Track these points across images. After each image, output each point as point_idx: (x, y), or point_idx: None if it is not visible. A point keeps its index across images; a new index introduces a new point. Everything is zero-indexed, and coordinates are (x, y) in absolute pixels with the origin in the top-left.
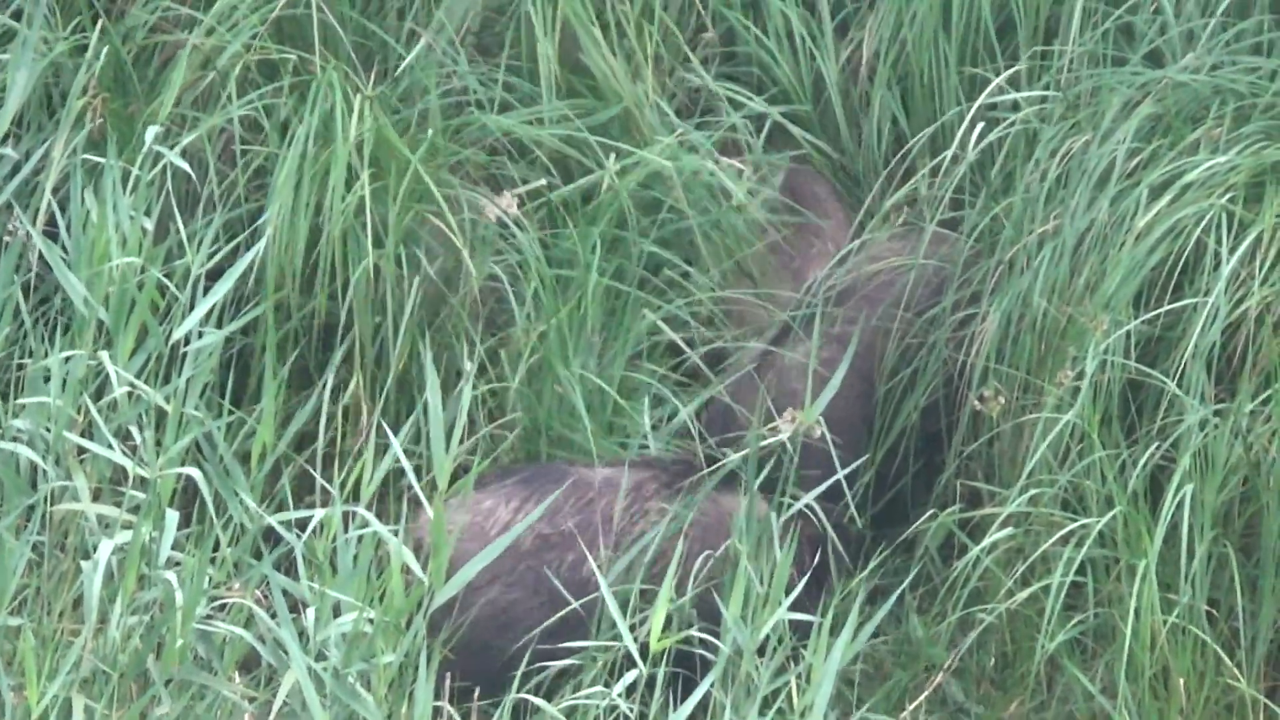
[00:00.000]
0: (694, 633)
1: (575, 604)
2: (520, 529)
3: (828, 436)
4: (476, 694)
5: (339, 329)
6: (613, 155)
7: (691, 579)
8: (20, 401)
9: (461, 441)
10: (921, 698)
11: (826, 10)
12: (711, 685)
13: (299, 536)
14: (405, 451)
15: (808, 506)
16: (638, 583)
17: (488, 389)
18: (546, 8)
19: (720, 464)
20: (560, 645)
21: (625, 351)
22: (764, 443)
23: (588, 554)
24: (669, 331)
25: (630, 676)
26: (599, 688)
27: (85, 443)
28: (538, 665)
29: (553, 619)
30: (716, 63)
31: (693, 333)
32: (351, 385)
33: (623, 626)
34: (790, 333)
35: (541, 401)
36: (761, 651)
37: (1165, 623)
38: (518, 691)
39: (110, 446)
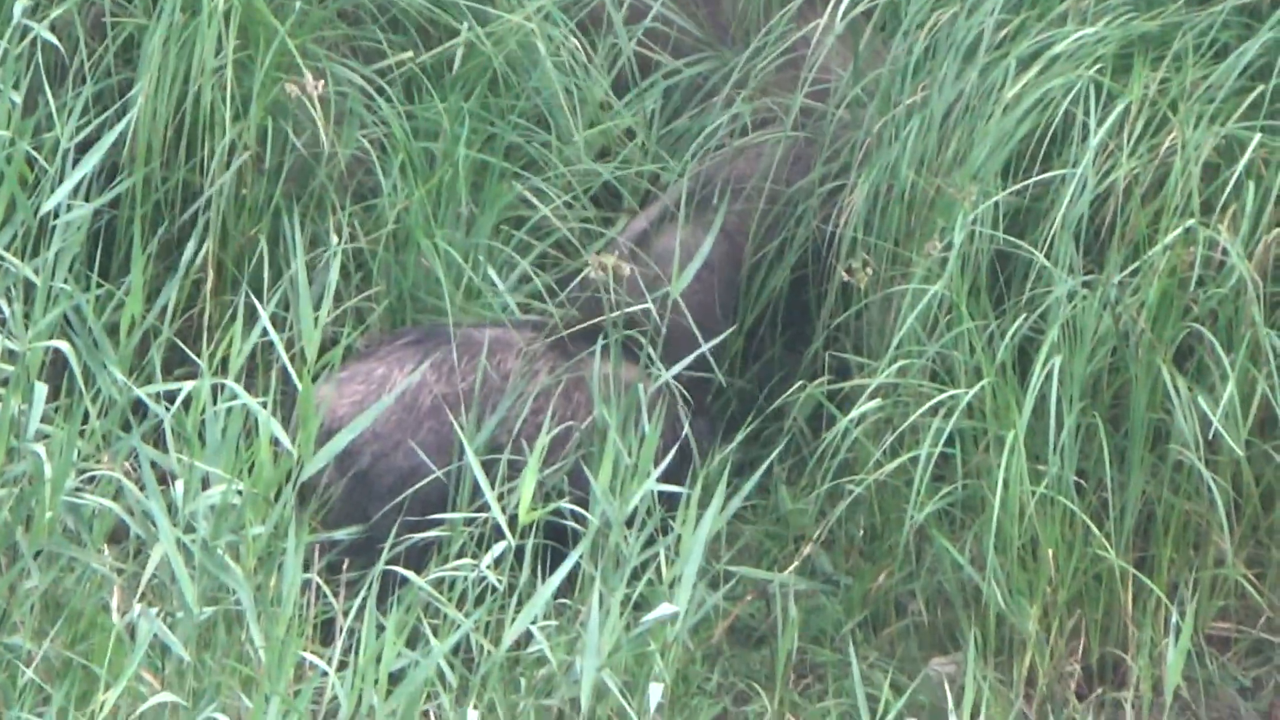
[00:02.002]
0: (563, 505)
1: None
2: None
3: (686, 312)
4: (345, 566)
5: (206, 202)
6: (467, 24)
7: (567, 450)
8: None
9: (329, 313)
10: (790, 569)
11: None
12: (580, 557)
13: (167, 409)
14: (274, 324)
15: (675, 379)
16: (539, 452)
17: (355, 263)
18: None
19: (586, 325)
20: (429, 517)
21: (491, 223)
22: (628, 309)
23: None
24: (537, 203)
25: (498, 548)
26: (467, 560)
27: None
28: (405, 537)
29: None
30: None
31: (560, 207)
32: (214, 257)
33: (491, 498)
34: (669, 210)
35: (407, 273)
36: (630, 523)
37: (1034, 494)
38: (387, 563)
39: None
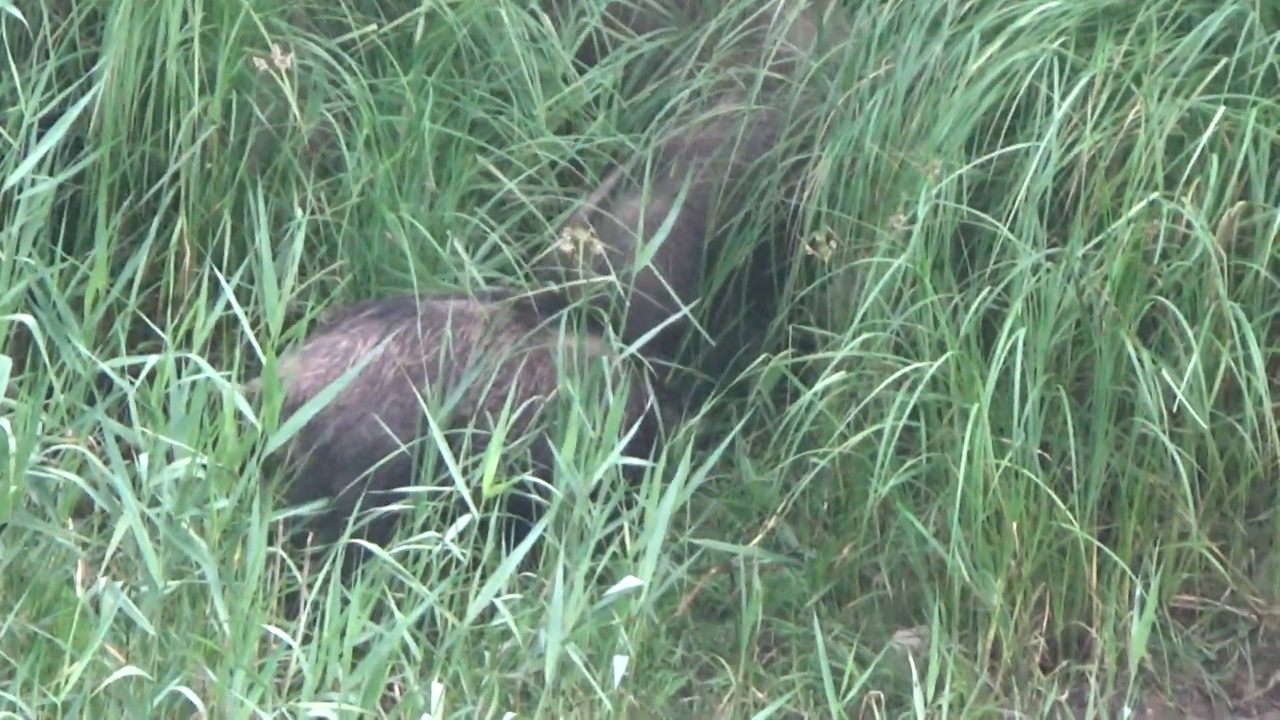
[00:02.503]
0: (527, 478)
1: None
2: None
3: (659, 278)
4: (309, 539)
5: (171, 176)
6: None
7: (532, 423)
8: None
9: (293, 287)
10: (754, 542)
11: None
12: (544, 530)
13: (132, 383)
14: (237, 297)
15: (639, 352)
16: (503, 425)
17: (319, 236)
18: None
19: (550, 298)
20: (394, 490)
21: (455, 197)
22: (592, 281)
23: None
24: (501, 177)
25: (463, 521)
26: (431, 533)
27: None
28: (370, 510)
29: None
30: None
31: (524, 182)
32: (180, 231)
33: (455, 471)
34: (627, 183)
35: (371, 246)
36: (595, 497)
37: (998, 467)
38: (352, 534)
39: None
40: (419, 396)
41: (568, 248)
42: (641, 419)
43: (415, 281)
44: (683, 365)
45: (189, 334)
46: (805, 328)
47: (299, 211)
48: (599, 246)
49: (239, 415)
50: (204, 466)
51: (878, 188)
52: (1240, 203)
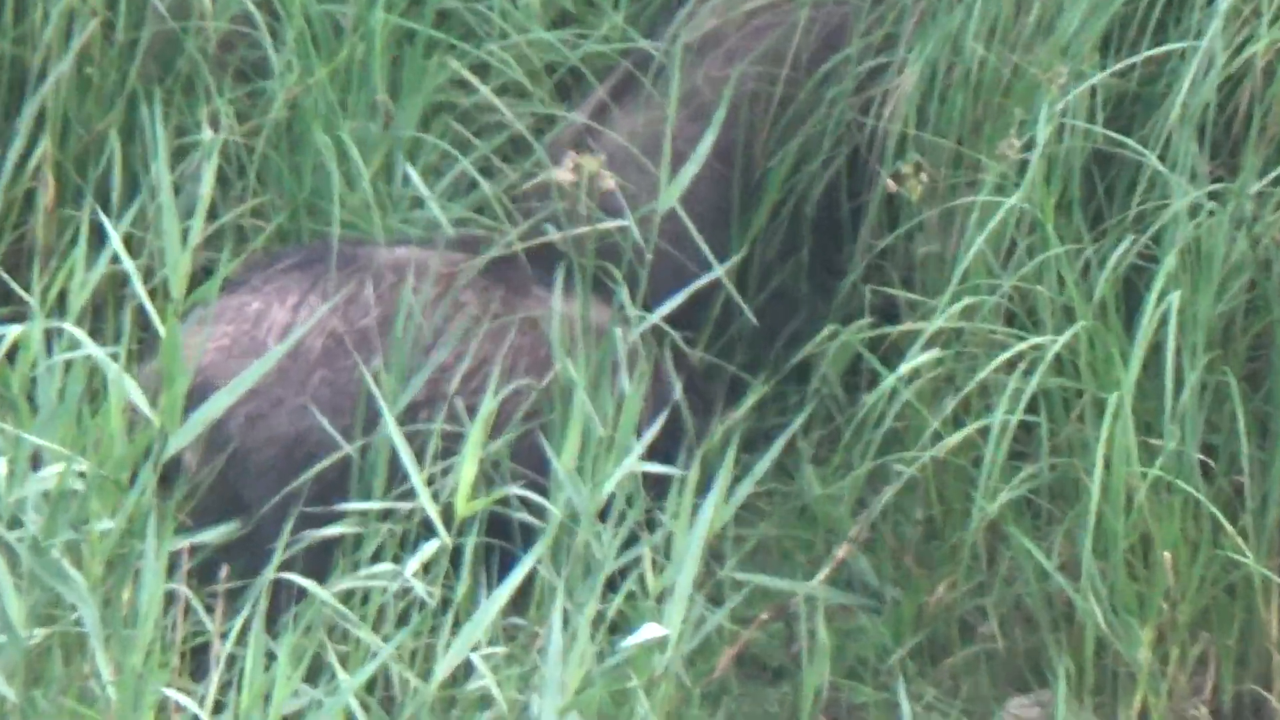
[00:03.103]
0: (514, 491)
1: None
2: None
3: (686, 224)
4: (224, 572)
5: (35, 84)
6: None
7: (517, 416)
8: None
9: (201, 233)
10: (820, 577)
11: None
12: (537, 561)
13: None
14: (127, 246)
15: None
16: (483, 418)
17: (235, 165)
18: None
19: (537, 241)
20: (335, 507)
21: (415, 112)
22: (600, 226)
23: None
24: (478, 83)
25: (428, 549)
26: (386, 565)
27: None
28: (301, 533)
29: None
30: None
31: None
32: (48, 158)
33: (417, 480)
34: (630, 89)
35: (303, 178)
36: (604, 516)
37: (1145, 476)
38: (278, 566)
39: None
40: (363, 373)
41: (566, 177)
42: (666, 413)
43: (362, 226)
44: (718, 339)
45: (61, 296)
46: (886, 290)
47: (208, 132)
48: (611, 179)
49: (129, 406)
50: (82, 475)
51: (983, 102)
52: None
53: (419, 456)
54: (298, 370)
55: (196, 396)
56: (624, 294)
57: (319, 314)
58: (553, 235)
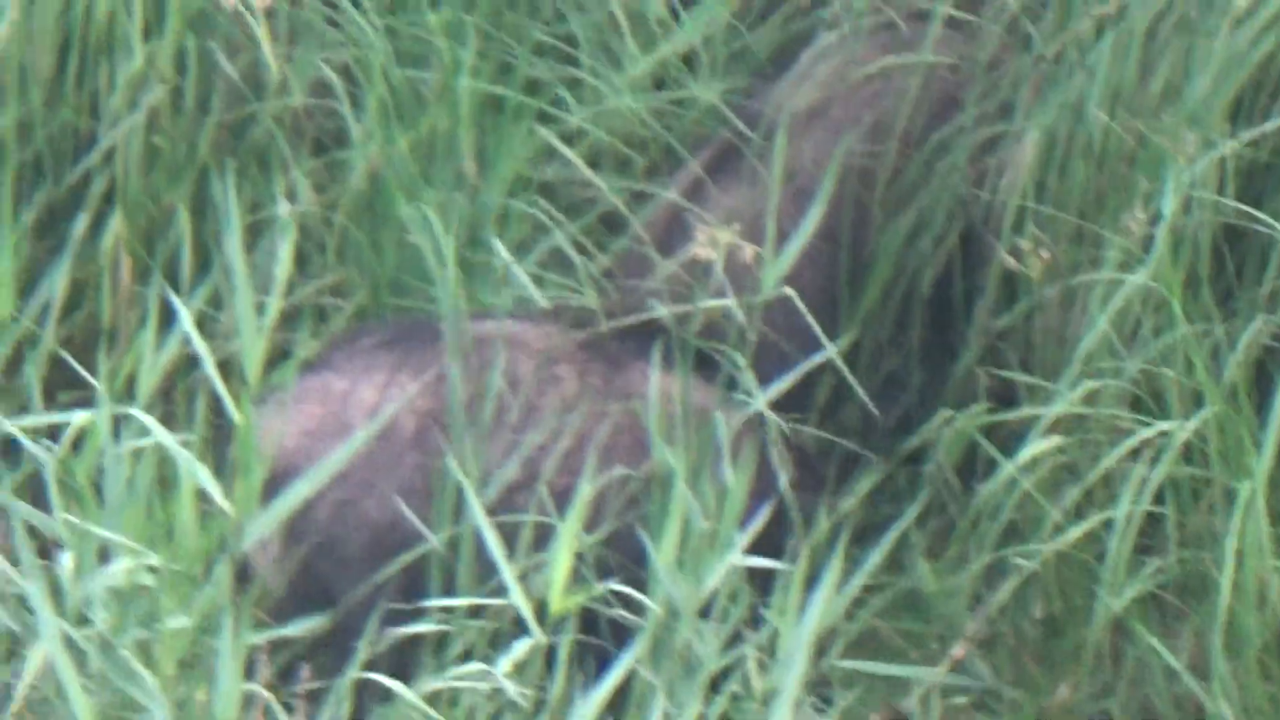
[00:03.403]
0: (611, 586)
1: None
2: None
3: (796, 303)
4: (304, 672)
5: (103, 156)
6: None
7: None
8: None
9: (277, 312)
10: (934, 677)
11: None
12: (635, 660)
13: (49, 450)
14: (199, 326)
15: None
16: (579, 507)
17: (313, 240)
18: None
19: (641, 318)
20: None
21: (502, 184)
22: (706, 304)
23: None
24: (568, 152)
25: (521, 648)
26: (476, 664)
27: None
28: (388, 630)
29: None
30: None
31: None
32: (116, 234)
33: (508, 575)
34: (729, 163)
35: (384, 253)
36: (706, 612)
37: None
38: (365, 666)
39: None
40: (450, 457)
41: (704, 253)
42: (772, 504)
43: (446, 300)
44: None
45: (129, 380)
46: (1003, 373)
47: (284, 205)
48: (750, 251)
49: (202, 496)
50: (152, 569)
51: (1105, 173)
52: None
53: (513, 545)
54: (388, 453)
55: (280, 482)
56: (732, 374)
57: (407, 393)
58: (658, 312)
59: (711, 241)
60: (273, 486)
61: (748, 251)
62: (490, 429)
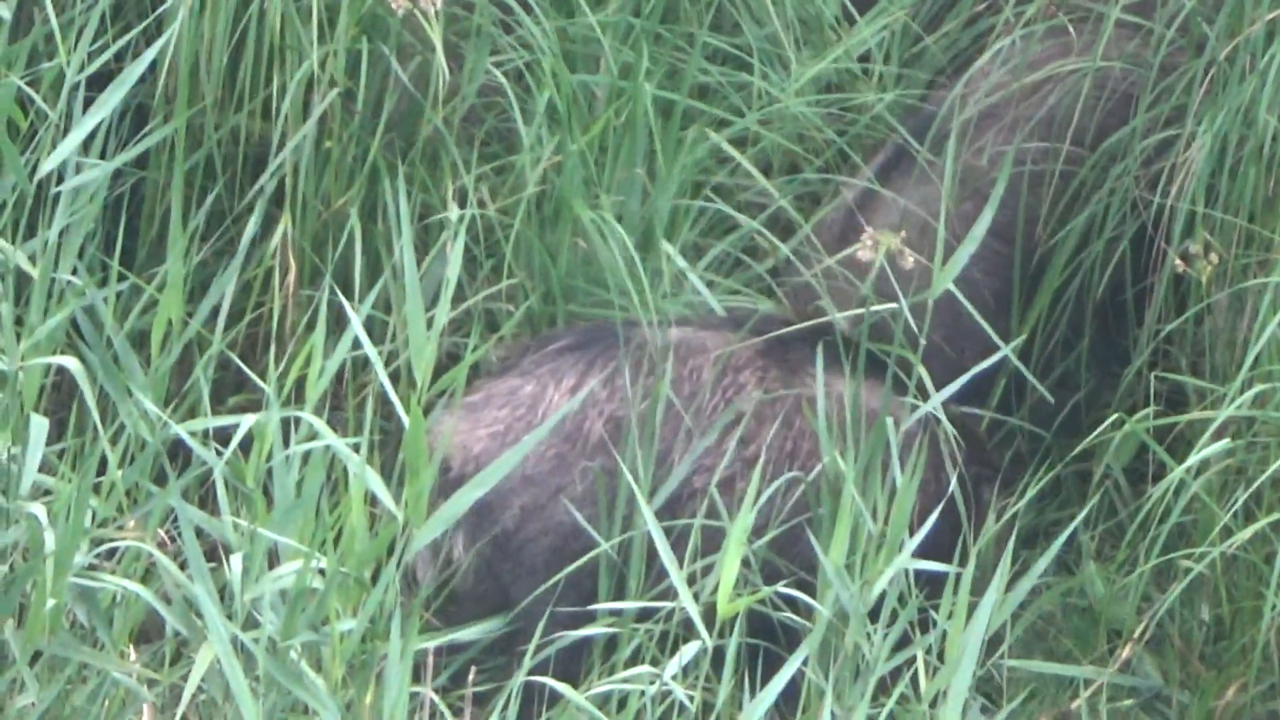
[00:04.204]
0: (781, 590)
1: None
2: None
3: (965, 305)
4: (471, 674)
5: (272, 159)
6: None
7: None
8: None
9: (448, 317)
10: (1102, 679)
11: None
12: (804, 663)
13: (219, 454)
14: (368, 330)
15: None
16: (748, 510)
17: (484, 244)
18: None
19: (818, 323)
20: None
21: (675, 187)
22: (875, 309)
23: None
24: (739, 157)
25: (689, 651)
26: (644, 667)
27: None
28: (558, 634)
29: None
30: None
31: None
32: (286, 238)
33: (678, 579)
34: (903, 163)
35: (557, 258)
36: (875, 616)
37: None
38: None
39: None
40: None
41: (866, 255)
42: (943, 504)
43: (621, 305)
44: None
45: (299, 384)
46: (1173, 376)
47: (454, 209)
48: (911, 257)
49: (372, 500)
50: (321, 572)
51: (1276, 177)
52: None
53: (688, 550)
54: (574, 457)
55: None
56: (904, 376)
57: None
58: (834, 316)
59: (874, 244)
60: (454, 489)
61: (907, 257)
62: (672, 435)
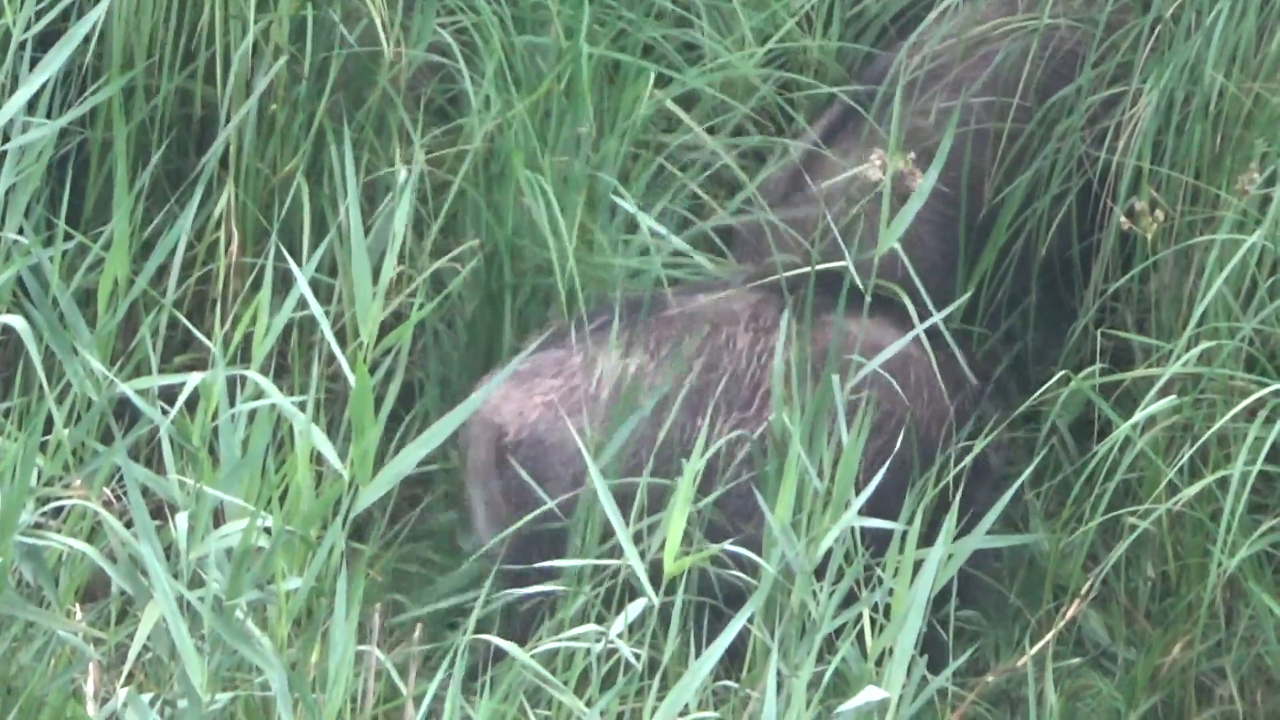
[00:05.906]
0: (725, 548)
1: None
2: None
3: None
4: (417, 633)
5: (219, 120)
6: None
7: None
8: None
9: (393, 277)
10: (1049, 636)
11: None
12: (750, 620)
13: (165, 413)
14: (314, 291)
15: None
16: (692, 472)
17: (430, 205)
18: None
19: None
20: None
21: (622, 148)
22: (823, 266)
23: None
24: (684, 117)
25: (635, 609)
26: (590, 625)
27: None
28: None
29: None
30: None
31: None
32: (232, 198)
33: (624, 537)
34: (848, 126)
35: (504, 218)
36: (821, 573)
37: None
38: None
39: None
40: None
41: (875, 175)
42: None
43: (564, 266)
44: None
45: (246, 344)
46: (1119, 333)
47: (401, 171)
48: (918, 176)
49: (318, 458)
50: (267, 531)
51: (1221, 134)
52: None
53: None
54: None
55: (525, 452)
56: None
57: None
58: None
59: (879, 162)
60: (521, 458)
61: (915, 178)
62: (716, 403)
